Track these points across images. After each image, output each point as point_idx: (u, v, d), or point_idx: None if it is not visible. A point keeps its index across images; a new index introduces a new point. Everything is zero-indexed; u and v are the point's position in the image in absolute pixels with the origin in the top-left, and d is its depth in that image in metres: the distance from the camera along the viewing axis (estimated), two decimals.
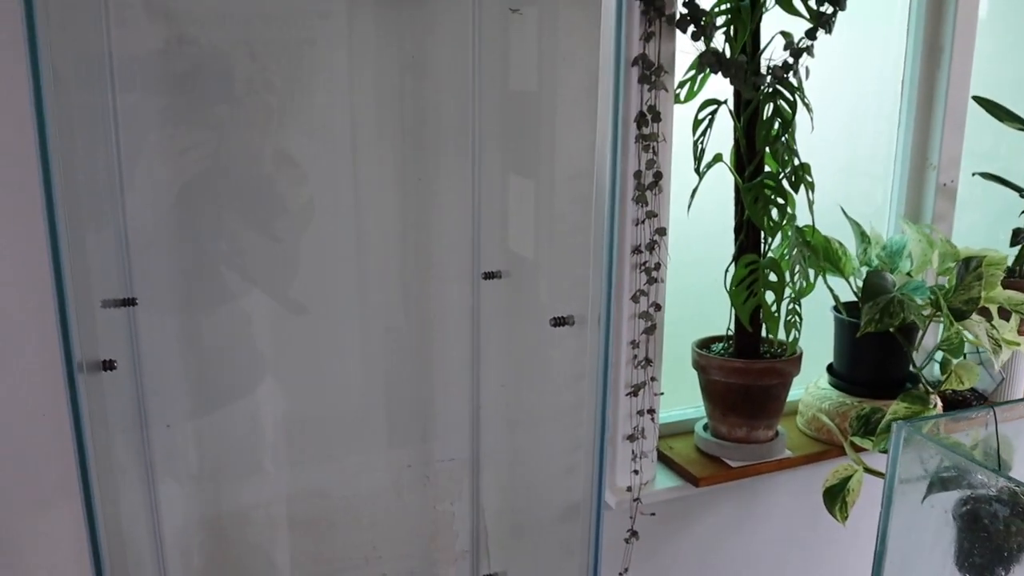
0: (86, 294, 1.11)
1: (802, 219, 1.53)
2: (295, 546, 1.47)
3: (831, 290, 1.65)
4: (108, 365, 1.08)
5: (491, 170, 1.38)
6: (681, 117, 1.49)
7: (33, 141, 0.85)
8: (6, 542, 1.25)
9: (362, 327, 1.43)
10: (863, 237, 1.70)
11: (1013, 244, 1.79)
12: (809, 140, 1.52)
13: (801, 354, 1.58)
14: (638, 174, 1.42)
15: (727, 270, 1.54)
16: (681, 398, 1.75)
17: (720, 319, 1.61)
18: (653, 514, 1.60)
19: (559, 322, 1.24)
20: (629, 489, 1.57)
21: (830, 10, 1.40)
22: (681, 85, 1.49)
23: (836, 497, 1.52)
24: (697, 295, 1.71)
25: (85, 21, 1.12)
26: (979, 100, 1.78)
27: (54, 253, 0.87)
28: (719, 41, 1.42)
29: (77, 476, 0.92)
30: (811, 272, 1.53)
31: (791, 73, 1.43)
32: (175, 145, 1.23)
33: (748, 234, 1.52)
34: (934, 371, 1.85)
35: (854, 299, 1.66)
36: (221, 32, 1.22)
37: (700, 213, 1.51)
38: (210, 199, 1.27)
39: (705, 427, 1.66)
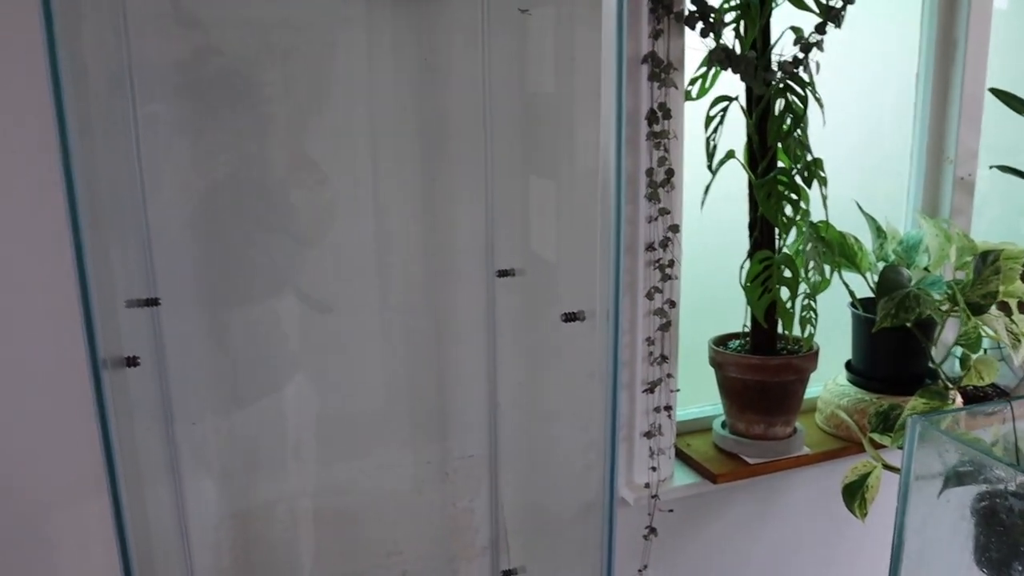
0: (110, 294, 1.14)
1: (816, 214, 1.53)
2: (319, 541, 1.49)
3: (847, 286, 1.65)
4: (132, 361, 1.12)
5: (504, 169, 1.40)
6: (694, 114, 1.50)
7: (55, 147, 0.88)
8: (37, 536, 1.29)
9: (381, 325, 1.45)
10: (879, 232, 1.70)
11: None
12: (824, 135, 1.52)
13: (818, 350, 1.58)
14: (650, 171, 1.43)
15: (742, 266, 1.55)
16: (699, 395, 1.76)
17: (739, 315, 1.61)
18: (671, 511, 1.61)
19: (570, 317, 1.25)
20: (647, 486, 1.57)
21: (839, 4, 1.41)
22: (692, 82, 1.49)
23: (855, 494, 1.51)
24: (715, 291, 1.71)
25: (106, 31, 1.15)
26: (996, 92, 1.76)
27: (77, 253, 0.90)
28: (729, 37, 1.43)
29: (104, 468, 0.95)
30: (826, 268, 1.53)
31: (801, 68, 1.43)
32: (198, 149, 1.26)
33: (762, 230, 1.53)
34: (955, 367, 1.83)
35: (871, 295, 1.66)
36: (243, 38, 1.25)
37: (715, 210, 1.52)
38: (233, 202, 1.30)
39: (723, 424, 1.66)
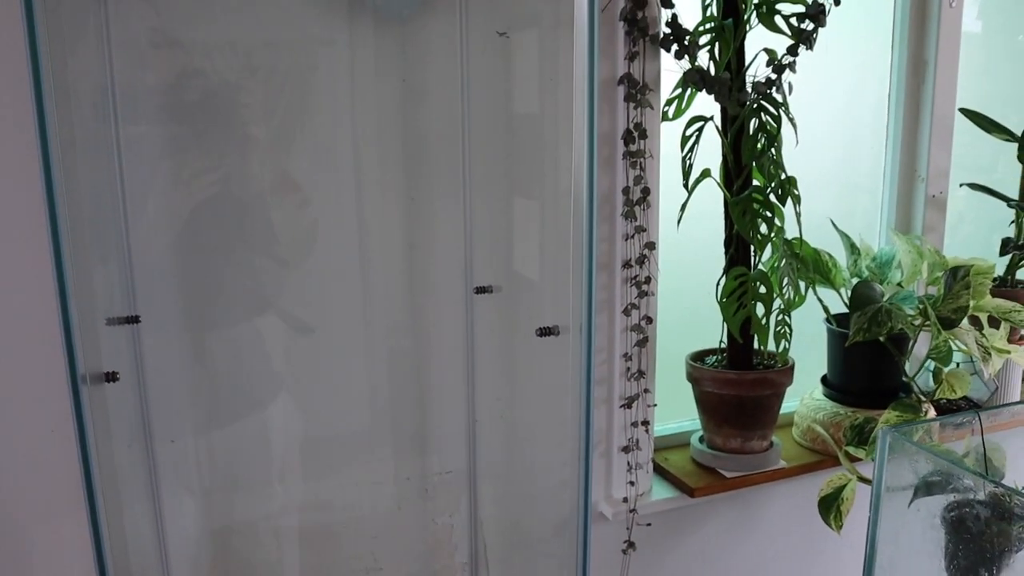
0: (91, 312, 1.15)
1: (791, 232, 1.56)
2: (298, 558, 1.49)
3: (821, 302, 1.68)
4: (111, 377, 1.13)
5: (483, 188, 1.42)
6: (670, 134, 1.53)
7: (38, 168, 0.90)
8: (13, 553, 1.29)
9: (361, 343, 1.46)
10: (853, 248, 1.73)
11: (1002, 254, 1.82)
12: (800, 155, 1.55)
13: (793, 364, 1.60)
14: (626, 190, 1.46)
15: (718, 283, 1.57)
16: (677, 411, 1.77)
17: (716, 332, 1.63)
18: (649, 524, 1.62)
19: (544, 332, 1.27)
20: (625, 500, 1.59)
21: (811, 27, 1.44)
22: (669, 103, 1.52)
23: (831, 506, 1.54)
24: (692, 308, 1.74)
25: (90, 54, 1.17)
26: (965, 112, 1.81)
27: (58, 270, 0.91)
28: (704, 59, 1.47)
29: (81, 483, 0.96)
30: (801, 284, 1.56)
31: (774, 89, 1.46)
32: (181, 170, 1.28)
33: (738, 247, 1.55)
34: (929, 382, 1.86)
35: (846, 311, 1.69)
36: (226, 60, 1.27)
37: (691, 227, 1.54)
38: (214, 222, 1.31)
39: (700, 439, 1.68)
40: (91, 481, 0.96)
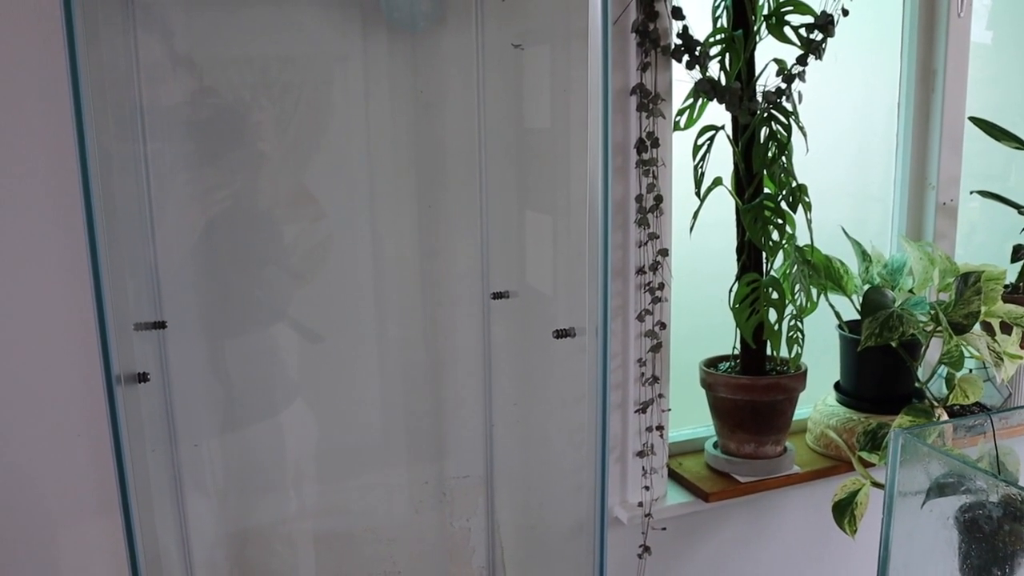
0: (122, 319, 1.18)
1: (802, 239, 1.58)
2: (317, 561, 1.52)
3: (833, 308, 1.70)
4: (142, 377, 1.16)
5: (498, 197, 1.45)
6: (682, 142, 1.56)
7: (78, 186, 0.94)
8: (42, 556, 1.32)
9: (379, 349, 1.49)
10: (864, 256, 1.75)
11: (1014, 260, 1.83)
12: (814, 164, 1.57)
13: (806, 370, 1.62)
14: (639, 198, 1.49)
15: (731, 289, 1.59)
16: (692, 418, 1.79)
17: (730, 342, 1.65)
18: (664, 529, 1.64)
19: (561, 334, 1.29)
20: (640, 505, 1.60)
21: (819, 37, 1.47)
22: (680, 113, 1.55)
23: (845, 511, 1.55)
24: (706, 318, 1.75)
25: (119, 80, 1.21)
26: (975, 120, 1.83)
27: (95, 279, 0.95)
28: (714, 69, 1.49)
29: (116, 483, 0.99)
30: (813, 290, 1.58)
31: (784, 98, 1.49)
32: (201, 185, 1.32)
33: (750, 254, 1.57)
34: (942, 388, 1.87)
35: (858, 317, 1.70)
36: (243, 76, 1.31)
37: (705, 236, 1.57)
38: (233, 234, 1.35)
39: (715, 444, 1.70)
40: (125, 482, 0.99)
